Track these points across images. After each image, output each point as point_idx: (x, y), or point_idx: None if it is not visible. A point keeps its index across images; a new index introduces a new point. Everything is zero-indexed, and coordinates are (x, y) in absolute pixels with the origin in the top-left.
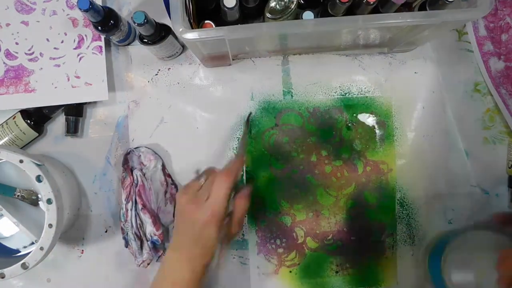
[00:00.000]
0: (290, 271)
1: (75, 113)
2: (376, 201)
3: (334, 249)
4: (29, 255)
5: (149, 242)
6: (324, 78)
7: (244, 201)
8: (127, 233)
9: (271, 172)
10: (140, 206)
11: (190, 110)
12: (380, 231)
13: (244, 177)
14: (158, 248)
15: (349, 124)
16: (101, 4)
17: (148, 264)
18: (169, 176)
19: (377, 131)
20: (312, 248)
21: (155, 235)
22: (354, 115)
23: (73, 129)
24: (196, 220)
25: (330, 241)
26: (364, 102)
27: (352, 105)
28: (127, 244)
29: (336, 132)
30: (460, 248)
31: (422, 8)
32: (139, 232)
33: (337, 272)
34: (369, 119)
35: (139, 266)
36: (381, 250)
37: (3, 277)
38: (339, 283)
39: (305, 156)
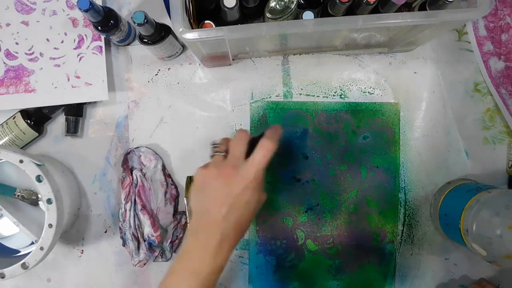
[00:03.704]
0: None
1: (75, 113)
2: (378, 207)
3: (333, 253)
4: (29, 255)
5: (146, 243)
6: (324, 78)
7: (271, 144)
8: (124, 233)
9: (275, 172)
10: (139, 207)
11: (190, 110)
12: (380, 238)
13: None
14: (154, 248)
15: (356, 129)
16: (101, 4)
17: (145, 264)
18: (169, 176)
19: (383, 137)
20: (311, 250)
21: (152, 236)
22: (361, 120)
23: (73, 129)
24: (231, 188)
25: (330, 244)
26: (372, 107)
27: (359, 110)
28: (124, 244)
29: (342, 136)
30: (488, 203)
31: (422, 8)
32: (137, 233)
33: (335, 276)
34: (375, 125)
35: (136, 265)
36: (381, 257)
37: (3, 277)
38: (336, 287)
39: (310, 159)
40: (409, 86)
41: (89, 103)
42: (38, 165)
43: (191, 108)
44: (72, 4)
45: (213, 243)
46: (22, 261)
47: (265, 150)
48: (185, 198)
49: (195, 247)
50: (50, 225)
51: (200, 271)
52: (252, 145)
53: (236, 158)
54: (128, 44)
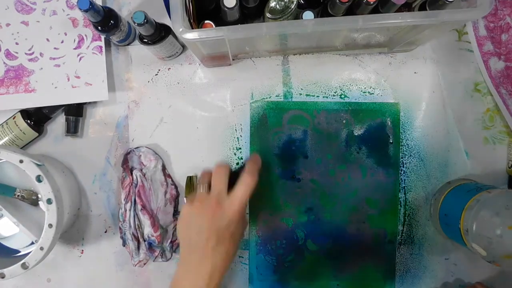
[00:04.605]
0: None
1: (75, 113)
2: (378, 207)
3: (333, 253)
4: (29, 255)
5: (146, 243)
6: (324, 78)
7: (251, 177)
8: (124, 233)
9: (275, 172)
10: (139, 207)
11: (190, 110)
12: (380, 238)
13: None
14: (154, 248)
15: (356, 129)
16: (101, 4)
17: (145, 264)
18: (169, 176)
19: (383, 137)
20: (311, 250)
21: (152, 236)
22: (361, 120)
23: (73, 129)
24: (217, 223)
25: (330, 244)
26: (372, 107)
27: (359, 110)
28: (124, 244)
29: (342, 136)
30: (488, 203)
31: (422, 8)
32: (137, 233)
33: (335, 276)
34: (375, 125)
35: (136, 265)
36: (381, 257)
37: (3, 277)
38: (336, 287)
39: (310, 159)
40: (409, 86)
41: (89, 103)
42: (38, 165)
43: (191, 108)
44: (72, 4)
45: (205, 274)
46: (22, 261)
47: (246, 185)
48: (185, 198)
49: (187, 278)
50: (50, 225)
51: None
52: (233, 177)
53: (219, 193)
54: (128, 44)
